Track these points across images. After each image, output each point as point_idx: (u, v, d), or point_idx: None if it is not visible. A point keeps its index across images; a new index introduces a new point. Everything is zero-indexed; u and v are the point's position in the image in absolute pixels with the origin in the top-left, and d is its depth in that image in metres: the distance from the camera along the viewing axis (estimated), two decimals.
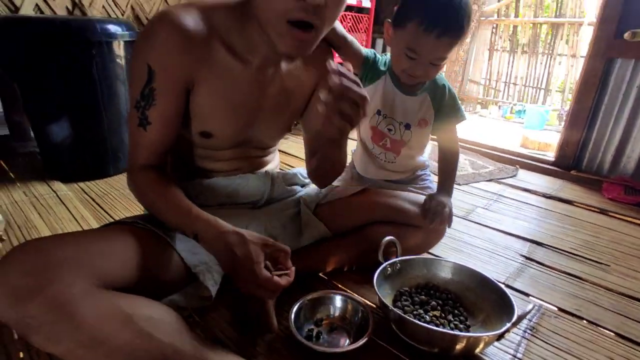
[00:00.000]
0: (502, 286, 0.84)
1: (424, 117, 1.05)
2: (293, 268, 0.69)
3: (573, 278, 1.12)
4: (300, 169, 1.06)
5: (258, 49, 0.74)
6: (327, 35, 0.77)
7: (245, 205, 0.93)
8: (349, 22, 2.37)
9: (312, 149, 0.94)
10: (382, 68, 1.04)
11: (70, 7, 1.80)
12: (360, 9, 2.42)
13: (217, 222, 0.69)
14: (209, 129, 0.80)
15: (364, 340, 0.75)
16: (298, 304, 0.82)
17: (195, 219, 0.69)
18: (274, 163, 1.01)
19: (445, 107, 1.04)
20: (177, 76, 0.71)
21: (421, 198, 1.03)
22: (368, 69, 1.03)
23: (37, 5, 1.70)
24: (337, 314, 0.86)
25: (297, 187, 1.02)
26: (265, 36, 0.70)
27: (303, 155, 1.00)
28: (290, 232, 0.95)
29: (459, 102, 1.06)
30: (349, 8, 2.34)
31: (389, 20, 0.95)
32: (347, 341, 0.80)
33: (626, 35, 1.62)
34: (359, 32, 2.47)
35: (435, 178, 1.16)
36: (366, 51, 1.04)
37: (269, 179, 0.94)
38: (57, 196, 1.40)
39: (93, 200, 1.39)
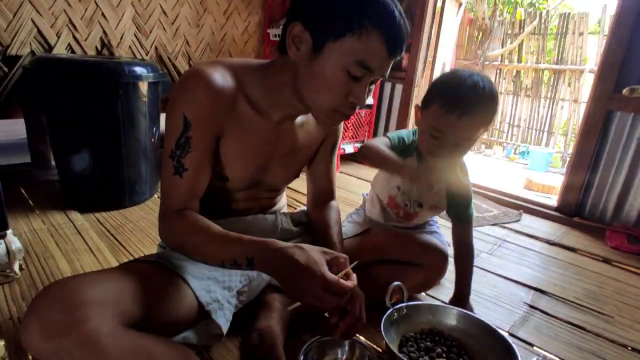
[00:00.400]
0: (507, 335, 0.86)
1: (436, 204, 1.11)
2: (354, 275, 0.71)
3: (577, 328, 1.13)
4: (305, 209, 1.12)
5: (279, 107, 0.82)
6: None
7: None
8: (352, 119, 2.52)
9: (314, 198, 1.03)
10: (411, 150, 1.06)
11: (99, 47, 1.93)
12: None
13: (273, 241, 0.71)
14: (227, 174, 0.86)
15: None
16: (306, 345, 0.84)
17: (248, 243, 0.71)
18: (281, 203, 1.07)
19: (458, 205, 1.07)
20: (210, 126, 0.77)
21: (423, 237, 1.08)
22: (397, 152, 1.05)
23: (69, 44, 1.83)
24: (344, 357, 0.88)
25: (305, 224, 1.07)
26: (294, 100, 0.78)
27: None
28: None
29: (473, 204, 1.08)
30: None
31: (419, 104, 1.00)
32: None
33: (625, 91, 1.70)
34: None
35: (438, 220, 1.23)
36: (392, 136, 1.07)
37: (278, 219, 0.99)
38: (74, 226, 1.45)
39: (108, 231, 1.44)
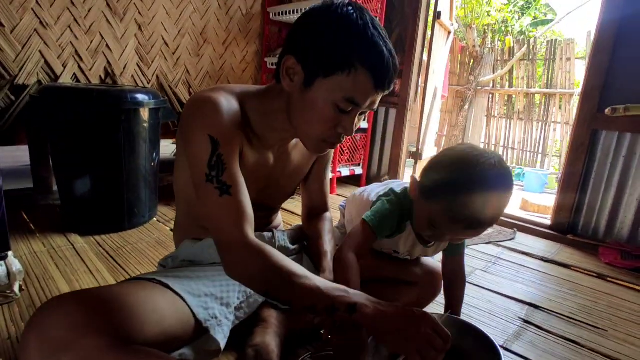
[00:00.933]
0: (501, 350, 0.86)
1: (432, 255, 1.10)
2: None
3: (571, 343, 1.14)
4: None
5: (275, 131, 0.86)
6: None
7: None
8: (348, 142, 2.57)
9: (308, 211, 1.07)
10: (406, 222, 0.97)
11: (103, 76, 2.01)
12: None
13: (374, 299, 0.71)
14: None
15: None
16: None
17: (345, 290, 0.71)
18: (277, 221, 1.11)
19: (455, 247, 1.03)
20: (235, 142, 0.78)
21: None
22: (387, 231, 0.97)
23: (74, 74, 1.91)
24: None
25: (301, 241, 1.10)
26: (288, 125, 0.83)
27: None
28: None
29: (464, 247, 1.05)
30: None
31: (416, 178, 0.89)
32: None
33: (607, 111, 1.77)
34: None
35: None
36: (374, 224, 0.93)
37: (275, 238, 1.02)
38: (74, 248, 1.47)
39: (108, 253, 1.46)
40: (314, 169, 1.04)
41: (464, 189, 0.76)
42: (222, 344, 0.83)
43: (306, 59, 0.73)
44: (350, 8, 0.73)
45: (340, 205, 1.29)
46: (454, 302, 1.02)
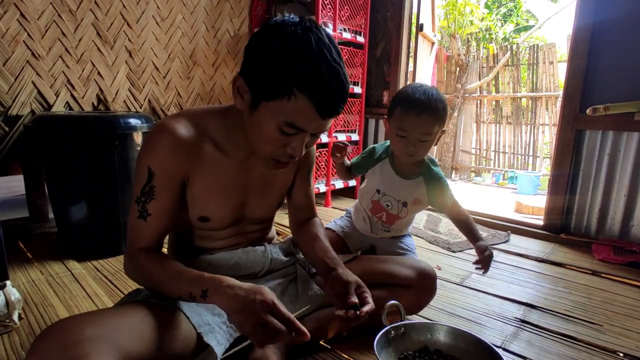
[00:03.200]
0: (500, 351, 0.88)
1: (418, 197, 1.26)
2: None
3: (568, 339, 1.15)
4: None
5: (241, 147, 0.89)
6: None
7: (247, 277, 1.01)
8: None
9: (296, 218, 1.09)
10: (383, 155, 1.28)
11: (95, 103, 2.04)
12: (352, 94, 2.70)
13: (226, 277, 0.76)
14: (206, 214, 0.91)
15: None
16: None
17: (201, 276, 0.77)
18: (271, 234, 1.12)
19: (435, 192, 1.26)
20: (173, 175, 0.83)
21: (408, 260, 1.16)
22: (369, 160, 1.30)
23: (67, 102, 1.94)
24: None
25: (295, 255, 1.11)
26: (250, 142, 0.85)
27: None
28: (290, 294, 1.03)
29: (449, 190, 1.27)
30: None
31: (385, 116, 1.20)
32: None
33: (588, 111, 1.83)
34: (353, 113, 2.72)
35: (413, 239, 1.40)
36: (354, 159, 1.33)
37: (267, 251, 1.03)
38: (72, 274, 1.48)
39: (106, 277, 1.46)
40: (297, 178, 1.05)
41: (408, 89, 1.15)
42: (218, 351, 0.82)
43: (251, 81, 0.76)
44: (299, 28, 0.71)
45: (348, 209, 1.49)
46: (472, 231, 1.26)
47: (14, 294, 1.15)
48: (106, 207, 1.63)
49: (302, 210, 1.08)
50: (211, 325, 0.87)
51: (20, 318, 1.16)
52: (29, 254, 1.66)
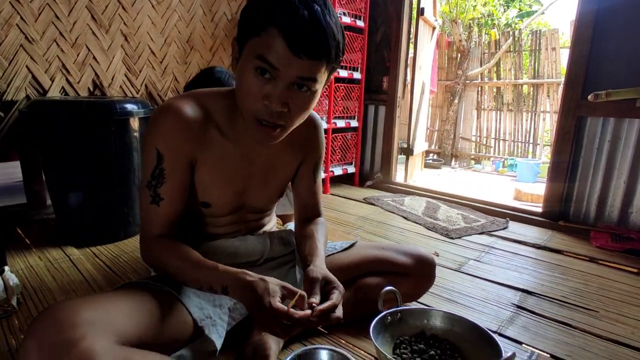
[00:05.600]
0: (497, 338, 0.88)
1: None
2: (309, 311, 0.72)
3: (563, 325, 1.16)
4: (293, 224, 1.15)
5: (244, 132, 0.87)
6: None
7: (246, 264, 1.00)
8: (342, 92, 2.60)
9: (300, 216, 1.05)
10: None
11: (91, 88, 2.02)
12: (351, 80, 2.67)
13: (244, 273, 0.76)
14: (208, 200, 0.90)
15: None
16: (288, 358, 0.86)
17: (224, 273, 0.76)
18: (271, 224, 1.10)
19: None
20: (182, 157, 0.82)
21: (406, 247, 1.14)
22: None
23: (62, 87, 1.92)
24: None
25: (294, 244, 1.10)
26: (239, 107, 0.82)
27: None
28: (289, 282, 1.02)
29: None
30: (341, 80, 2.58)
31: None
32: None
33: (590, 97, 1.80)
34: (352, 100, 2.70)
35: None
36: None
37: (267, 239, 1.02)
38: (70, 260, 1.48)
39: (104, 263, 1.46)
40: (300, 170, 1.02)
41: None
42: (218, 344, 0.84)
43: (238, 35, 0.75)
44: None
45: None
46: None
47: (12, 279, 1.15)
48: (104, 193, 1.63)
49: (306, 209, 1.05)
50: (213, 318, 0.87)
51: (19, 303, 1.16)
52: (27, 240, 1.66)
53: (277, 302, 0.70)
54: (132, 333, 0.70)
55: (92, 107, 1.53)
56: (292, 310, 0.69)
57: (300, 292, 0.74)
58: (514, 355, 0.77)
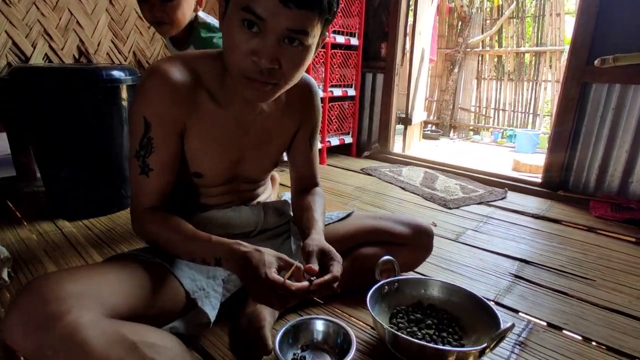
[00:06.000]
0: (492, 304, 0.87)
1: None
2: (306, 283, 0.69)
3: (560, 294, 1.15)
4: (288, 194, 1.11)
5: (236, 96, 0.81)
6: None
7: (240, 236, 0.98)
8: (338, 59, 2.51)
9: (296, 186, 1.02)
10: None
11: (77, 55, 1.93)
12: (348, 47, 2.57)
13: (238, 244, 0.73)
14: (200, 170, 0.86)
15: None
16: (282, 330, 0.85)
17: (217, 244, 0.74)
18: (265, 194, 1.06)
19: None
20: (171, 124, 0.78)
21: (404, 217, 1.11)
22: None
23: (46, 54, 1.83)
24: (320, 338, 0.89)
25: (289, 215, 1.07)
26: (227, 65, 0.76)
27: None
28: (284, 253, 0.99)
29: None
30: (338, 46, 2.49)
31: None
32: None
33: (596, 62, 1.74)
34: (349, 67, 2.61)
35: None
36: None
37: (261, 210, 0.99)
38: (63, 234, 1.45)
39: (97, 236, 1.44)
40: (296, 138, 0.97)
41: None
42: (212, 316, 0.83)
43: None
44: None
45: None
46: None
47: (3, 252, 1.13)
48: (94, 165, 1.58)
49: (302, 179, 1.01)
50: (206, 290, 0.85)
51: (10, 276, 1.14)
52: (17, 213, 1.63)
53: (273, 274, 0.67)
54: (122, 305, 0.68)
55: (78, 74, 1.46)
56: (288, 282, 0.66)
57: (297, 263, 0.71)
58: (512, 326, 0.76)
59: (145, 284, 0.75)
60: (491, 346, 0.75)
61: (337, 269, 0.73)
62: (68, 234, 1.45)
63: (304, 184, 1.02)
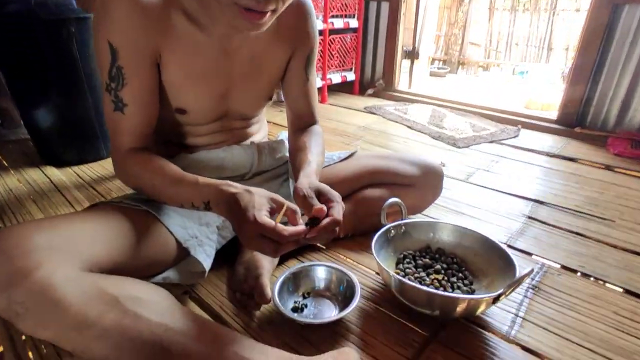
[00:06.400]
0: (507, 250, 0.81)
1: None
2: (301, 227, 0.61)
3: (577, 236, 1.09)
4: (285, 133, 1.02)
5: (219, 19, 0.69)
6: None
7: (233, 179, 0.91)
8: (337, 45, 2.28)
9: (293, 123, 0.91)
10: None
11: None
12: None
13: (228, 185, 0.65)
14: (182, 106, 0.77)
15: (349, 310, 0.73)
16: (281, 278, 0.80)
17: (205, 186, 0.65)
18: (260, 134, 0.97)
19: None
20: (141, 51, 0.67)
21: (411, 156, 1.02)
22: None
23: None
24: (322, 285, 0.84)
25: (286, 155, 0.99)
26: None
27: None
28: (283, 196, 0.92)
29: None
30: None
31: None
32: (335, 311, 0.78)
33: None
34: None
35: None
36: None
37: (255, 150, 0.90)
38: (51, 182, 1.38)
39: (87, 183, 1.37)
40: (290, 66, 0.86)
41: None
42: (207, 265, 0.78)
43: None
44: None
45: None
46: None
47: None
48: (76, 106, 1.46)
49: (299, 116, 0.90)
50: (199, 237, 0.79)
51: None
52: (4, 162, 1.55)
53: (264, 216, 0.59)
54: (103, 257, 0.62)
55: (43, 3, 1.29)
56: (280, 226, 0.58)
57: (289, 204, 0.63)
58: (531, 271, 0.69)
59: (130, 234, 0.68)
60: (507, 293, 0.69)
61: (337, 210, 0.64)
62: (57, 182, 1.38)
63: (301, 122, 0.91)
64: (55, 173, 1.45)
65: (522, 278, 0.69)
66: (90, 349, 0.54)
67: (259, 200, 0.61)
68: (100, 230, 0.65)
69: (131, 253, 0.67)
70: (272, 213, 0.62)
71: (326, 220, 0.62)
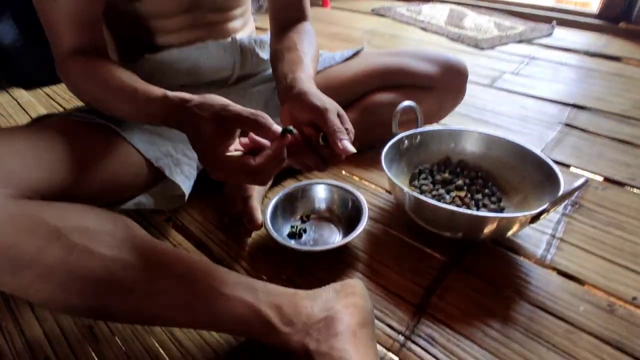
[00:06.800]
0: (550, 161, 0.66)
1: None
2: (269, 152, 0.46)
3: (623, 144, 0.94)
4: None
5: None
6: None
7: (213, 84, 0.75)
8: None
9: (277, 19, 0.71)
10: None
11: None
12: None
13: (176, 94, 0.49)
14: None
15: (355, 234, 0.62)
16: (273, 200, 0.69)
17: (159, 101, 0.50)
18: (245, 32, 0.78)
19: None
20: None
21: (429, 51, 0.84)
22: None
23: None
24: (322, 206, 0.73)
25: None
26: None
27: None
28: (275, 107, 0.77)
29: None
30: None
31: None
32: (338, 236, 0.67)
33: None
34: None
35: None
36: None
37: (236, 47, 0.72)
38: (19, 104, 1.24)
39: (60, 105, 1.23)
40: None
41: None
42: (186, 187, 0.67)
43: None
44: None
45: None
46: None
47: None
48: (36, 21, 1.25)
49: (284, 10, 0.70)
50: (174, 156, 0.66)
51: None
52: None
53: (220, 144, 0.44)
54: (43, 181, 0.49)
55: None
56: (235, 154, 0.44)
57: (260, 114, 0.45)
58: (586, 181, 0.55)
59: (81, 152, 0.55)
60: (550, 210, 0.56)
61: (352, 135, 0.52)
62: (26, 104, 1.24)
63: (287, 16, 0.70)
64: (23, 95, 1.31)
65: (572, 191, 0.55)
66: (34, 292, 0.43)
67: (217, 113, 0.44)
68: (42, 149, 0.52)
69: (83, 177, 0.55)
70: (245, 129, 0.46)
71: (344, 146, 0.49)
